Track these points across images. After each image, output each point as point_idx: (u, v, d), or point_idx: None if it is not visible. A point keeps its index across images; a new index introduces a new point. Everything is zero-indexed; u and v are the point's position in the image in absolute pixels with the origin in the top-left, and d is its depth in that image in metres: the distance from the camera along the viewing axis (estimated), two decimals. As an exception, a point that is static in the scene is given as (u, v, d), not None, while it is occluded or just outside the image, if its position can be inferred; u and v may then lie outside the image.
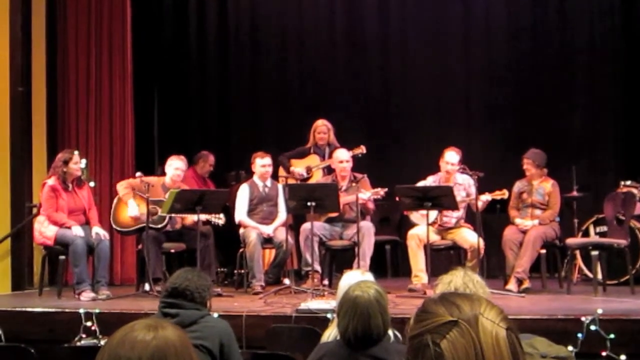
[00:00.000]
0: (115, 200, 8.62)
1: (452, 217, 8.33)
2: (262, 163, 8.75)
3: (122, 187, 8.58)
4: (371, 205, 8.56)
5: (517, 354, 1.58)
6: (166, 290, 4.21)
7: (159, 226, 8.37)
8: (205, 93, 11.24)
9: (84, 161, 8.64)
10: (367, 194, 8.34)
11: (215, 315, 5.98)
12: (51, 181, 8.18)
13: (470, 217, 8.35)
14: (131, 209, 8.38)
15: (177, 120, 11.04)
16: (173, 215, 8.30)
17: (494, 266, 8.81)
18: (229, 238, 9.08)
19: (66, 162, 8.19)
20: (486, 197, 8.04)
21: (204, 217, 8.14)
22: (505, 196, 8.13)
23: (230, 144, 10.97)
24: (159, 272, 8.15)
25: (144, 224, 8.27)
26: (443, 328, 1.55)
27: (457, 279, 3.37)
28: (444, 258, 8.40)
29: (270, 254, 8.91)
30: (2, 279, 9.16)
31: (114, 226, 8.52)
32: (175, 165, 8.60)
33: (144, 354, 1.75)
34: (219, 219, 8.35)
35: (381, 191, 8.35)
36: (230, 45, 11.14)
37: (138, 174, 8.47)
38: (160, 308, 4.17)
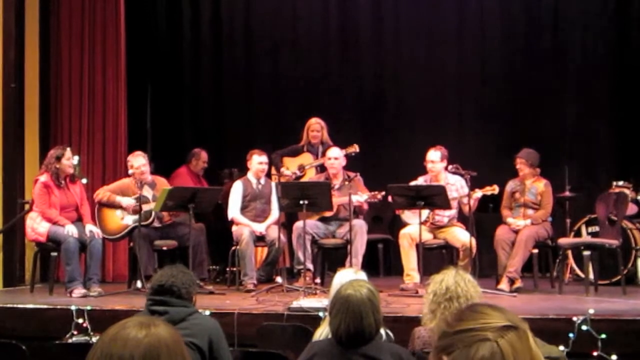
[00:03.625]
0: (96, 210, 8.54)
1: (444, 216, 8.34)
2: (259, 160, 8.73)
3: (100, 194, 8.54)
4: (365, 206, 8.56)
5: None
6: (152, 288, 4.20)
7: (146, 222, 8.35)
8: (198, 90, 11.22)
9: (76, 158, 8.62)
10: (364, 197, 8.34)
11: (207, 312, 6.01)
12: (43, 177, 8.16)
13: (463, 216, 8.36)
14: (126, 200, 8.38)
15: (170, 118, 11.02)
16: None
17: (486, 265, 8.80)
18: (221, 235, 9.08)
19: (58, 158, 8.16)
20: (477, 195, 8.05)
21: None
22: (496, 191, 8.11)
23: (223, 142, 10.94)
24: (150, 270, 8.11)
25: (132, 226, 8.28)
26: (502, 330, 1.63)
27: (448, 278, 3.39)
28: (436, 257, 8.40)
29: (262, 252, 8.90)
30: (-6, 275, 9.15)
31: (103, 236, 8.45)
32: (135, 165, 8.49)
33: (137, 352, 1.75)
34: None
35: (378, 195, 8.34)
36: (224, 43, 11.11)
37: (131, 171, 8.46)
38: (148, 306, 4.15)
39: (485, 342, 1.61)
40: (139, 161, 8.51)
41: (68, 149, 8.35)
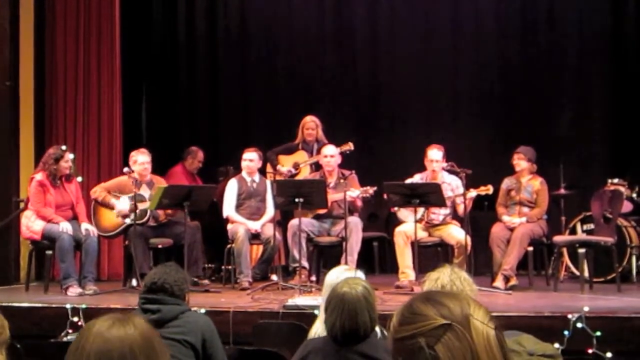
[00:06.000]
0: (92, 207, 8.57)
1: (439, 213, 8.34)
2: (246, 157, 8.74)
3: (96, 192, 8.56)
4: (359, 203, 8.56)
5: (505, 353, 1.60)
6: (145, 286, 4.22)
7: (142, 221, 8.35)
8: (194, 89, 11.20)
9: (71, 156, 8.61)
10: (356, 192, 8.33)
11: (202, 310, 6.00)
12: (39, 176, 8.15)
13: (458, 214, 8.36)
14: (120, 204, 8.38)
15: (165, 116, 11.01)
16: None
17: (481, 263, 8.80)
18: (216, 233, 9.07)
19: (57, 160, 8.17)
20: (471, 195, 8.06)
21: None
22: (490, 192, 8.13)
23: (219, 140, 10.93)
24: (146, 268, 8.10)
25: (127, 224, 8.28)
26: (437, 331, 1.57)
27: (444, 276, 3.38)
28: (431, 255, 8.40)
29: (257, 250, 8.91)
30: (-11, 273, 9.13)
31: (98, 233, 8.44)
32: (140, 161, 8.56)
33: (114, 347, 1.75)
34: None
35: (370, 190, 8.33)
36: (219, 41, 11.10)
37: (126, 169, 8.45)
38: (141, 304, 4.16)
39: (420, 351, 1.56)
40: (143, 158, 8.55)
41: (68, 152, 8.36)
